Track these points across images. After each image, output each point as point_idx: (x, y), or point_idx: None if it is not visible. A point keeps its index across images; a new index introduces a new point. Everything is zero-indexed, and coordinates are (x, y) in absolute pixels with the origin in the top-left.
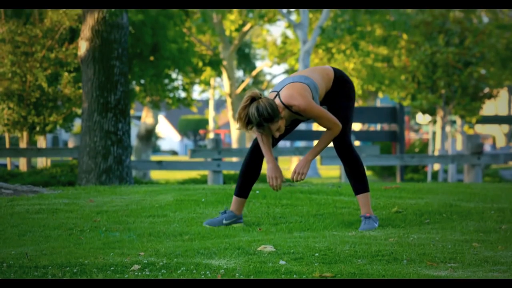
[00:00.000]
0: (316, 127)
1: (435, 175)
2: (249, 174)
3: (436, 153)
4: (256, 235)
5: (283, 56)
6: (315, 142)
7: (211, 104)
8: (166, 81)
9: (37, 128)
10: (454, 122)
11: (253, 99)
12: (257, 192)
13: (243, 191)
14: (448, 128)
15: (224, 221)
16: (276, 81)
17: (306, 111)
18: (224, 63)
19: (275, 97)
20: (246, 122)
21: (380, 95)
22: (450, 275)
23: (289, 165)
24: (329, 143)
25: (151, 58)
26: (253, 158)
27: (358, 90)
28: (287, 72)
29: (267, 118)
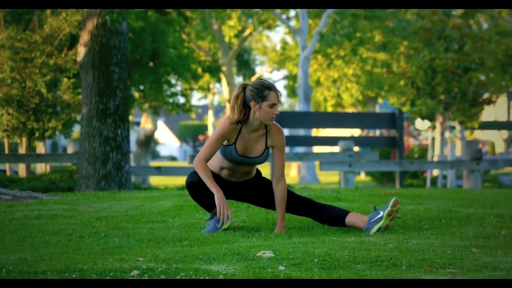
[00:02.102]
0: (315, 132)
1: (434, 180)
2: (202, 196)
3: (435, 158)
4: (255, 241)
5: (282, 62)
6: (315, 148)
7: (211, 110)
8: (166, 87)
9: (36, 134)
10: (453, 128)
11: (245, 86)
12: None
13: (209, 206)
14: (447, 134)
15: (218, 225)
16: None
17: (280, 135)
18: (224, 69)
19: None
20: (242, 107)
21: (380, 100)
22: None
23: (288, 170)
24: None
25: (151, 64)
26: (196, 186)
27: (357, 96)
28: (286, 78)
29: (271, 83)
